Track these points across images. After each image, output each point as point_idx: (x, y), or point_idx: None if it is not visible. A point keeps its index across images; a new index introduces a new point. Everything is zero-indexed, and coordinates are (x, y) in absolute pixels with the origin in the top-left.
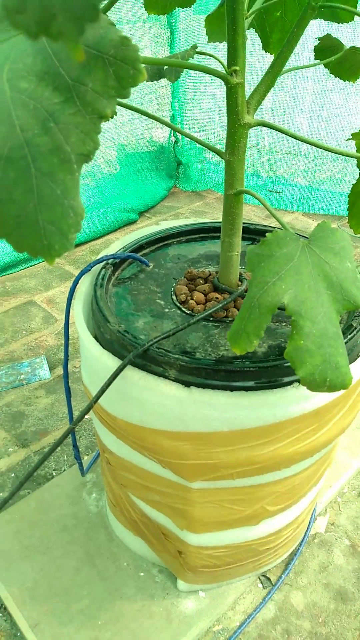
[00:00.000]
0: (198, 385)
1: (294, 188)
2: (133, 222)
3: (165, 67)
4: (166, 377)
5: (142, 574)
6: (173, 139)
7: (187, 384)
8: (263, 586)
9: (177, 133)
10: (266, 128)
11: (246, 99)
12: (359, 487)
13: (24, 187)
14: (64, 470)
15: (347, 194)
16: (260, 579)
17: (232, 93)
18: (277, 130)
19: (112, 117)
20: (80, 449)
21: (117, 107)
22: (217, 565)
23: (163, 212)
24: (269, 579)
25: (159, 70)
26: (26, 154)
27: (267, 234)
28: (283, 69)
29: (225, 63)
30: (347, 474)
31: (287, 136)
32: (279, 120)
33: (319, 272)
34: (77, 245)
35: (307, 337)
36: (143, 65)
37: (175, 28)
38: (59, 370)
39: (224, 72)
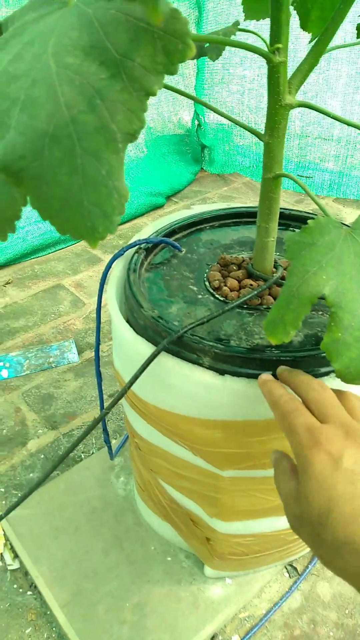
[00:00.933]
0: (232, 374)
1: (324, 173)
2: (160, 206)
3: (207, 45)
4: (200, 365)
5: (169, 559)
6: (197, 122)
7: (221, 372)
8: (289, 575)
9: (199, 117)
10: (297, 112)
11: (288, 79)
12: None
13: (70, 167)
14: (92, 453)
15: None
16: (286, 568)
17: (274, 72)
18: (319, 111)
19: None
20: (108, 433)
21: None
22: (245, 553)
23: (190, 196)
24: (295, 568)
25: (199, 48)
26: (71, 132)
27: (309, 221)
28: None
29: (267, 41)
30: None
31: (317, 121)
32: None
33: None
34: None
35: (346, 329)
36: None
37: (203, 7)
38: (87, 354)
39: (267, 50)
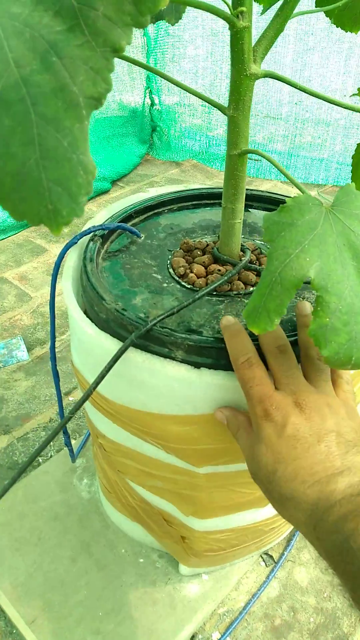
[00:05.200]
0: (208, 366)
1: (272, 154)
2: (106, 191)
3: (165, 7)
4: (172, 359)
5: (141, 560)
6: (148, 101)
7: (196, 365)
8: (266, 564)
9: (152, 95)
10: None
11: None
12: None
13: (24, 137)
14: (51, 456)
15: (326, 161)
16: (262, 557)
17: (238, 39)
18: (286, 82)
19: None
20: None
21: None
22: (222, 548)
23: (137, 180)
24: (271, 556)
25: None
26: (24, 95)
27: (287, 200)
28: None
29: (230, 4)
30: None
31: (266, 99)
32: (259, 80)
33: (344, 242)
34: None
35: (333, 314)
36: None
37: None
38: (38, 351)
39: (229, 13)
